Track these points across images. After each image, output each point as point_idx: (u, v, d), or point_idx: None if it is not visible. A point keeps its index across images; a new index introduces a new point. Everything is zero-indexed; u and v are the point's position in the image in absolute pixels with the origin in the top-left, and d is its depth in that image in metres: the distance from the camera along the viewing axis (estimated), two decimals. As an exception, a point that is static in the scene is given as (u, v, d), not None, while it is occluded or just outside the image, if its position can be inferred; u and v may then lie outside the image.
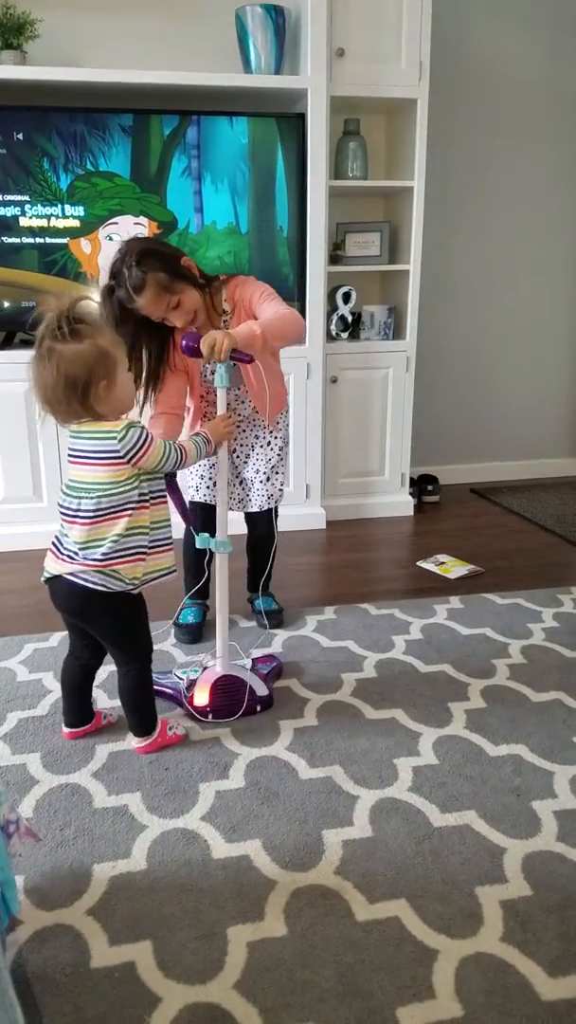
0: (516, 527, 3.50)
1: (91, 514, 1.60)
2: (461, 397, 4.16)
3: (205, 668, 2.03)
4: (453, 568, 2.96)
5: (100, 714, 1.91)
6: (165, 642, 2.35)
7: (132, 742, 1.82)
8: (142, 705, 1.80)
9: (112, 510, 1.61)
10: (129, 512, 1.62)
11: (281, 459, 2.34)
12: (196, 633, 2.36)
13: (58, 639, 2.33)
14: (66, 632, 1.85)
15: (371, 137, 3.43)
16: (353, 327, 3.50)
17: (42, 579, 1.72)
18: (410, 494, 3.70)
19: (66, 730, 1.87)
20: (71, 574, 1.63)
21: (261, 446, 2.30)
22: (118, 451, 1.58)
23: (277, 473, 2.33)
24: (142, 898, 1.39)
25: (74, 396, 1.56)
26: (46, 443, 3.11)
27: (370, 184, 3.38)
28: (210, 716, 1.93)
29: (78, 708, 1.87)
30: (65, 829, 1.57)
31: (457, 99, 3.66)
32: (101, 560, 1.61)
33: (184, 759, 1.79)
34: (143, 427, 1.62)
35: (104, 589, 1.62)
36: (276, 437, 2.32)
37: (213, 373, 1.89)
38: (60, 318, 1.53)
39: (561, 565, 3.03)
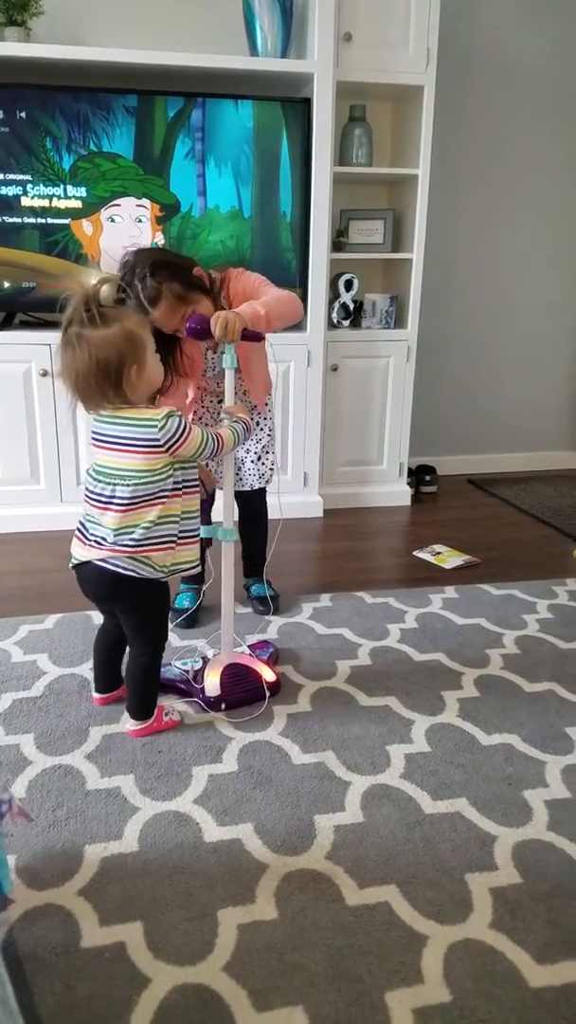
0: (513, 519, 3.51)
1: (126, 501, 1.60)
2: (461, 388, 4.15)
3: (205, 658, 2.03)
4: (449, 558, 2.96)
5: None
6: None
7: (127, 725, 1.82)
8: (148, 689, 1.82)
9: (147, 498, 1.61)
10: (163, 500, 1.62)
11: (271, 440, 2.37)
12: (193, 618, 2.36)
13: (53, 621, 2.33)
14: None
15: (377, 123, 3.41)
16: (355, 315, 3.49)
17: (70, 565, 1.71)
18: (408, 484, 3.70)
19: (96, 696, 1.93)
20: (102, 560, 1.63)
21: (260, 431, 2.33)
22: (157, 440, 1.57)
23: (268, 453, 2.36)
24: (133, 879, 1.39)
25: (107, 382, 1.54)
26: (44, 425, 3.10)
27: (375, 171, 3.36)
28: (223, 706, 1.93)
29: (107, 675, 1.91)
30: (58, 810, 1.57)
31: (464, 86, 3.64)
32: (133, 547, 1.61)
33: (177, 742, 1.80)
34: (181, 415, 1.61)
35: (134, 575, 1.63)
36: (265, 419, 2.35)
37: (222, 354, 1.89)
38: (87, 302, 1.52)
39: (557, 557, 3.03)
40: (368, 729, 1.86)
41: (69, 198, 3.02)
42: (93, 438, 1.65)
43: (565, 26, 3.71)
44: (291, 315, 2.01)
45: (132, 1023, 1.13)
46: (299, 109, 3.07)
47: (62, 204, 3.02)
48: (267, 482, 2.39)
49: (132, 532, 1.61)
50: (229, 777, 1.68)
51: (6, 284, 3.07)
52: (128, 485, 1.59)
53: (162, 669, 2.02)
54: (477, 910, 1.34)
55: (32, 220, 3.02)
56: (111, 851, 1.46)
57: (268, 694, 1.97)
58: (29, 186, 2.98)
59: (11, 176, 2.96)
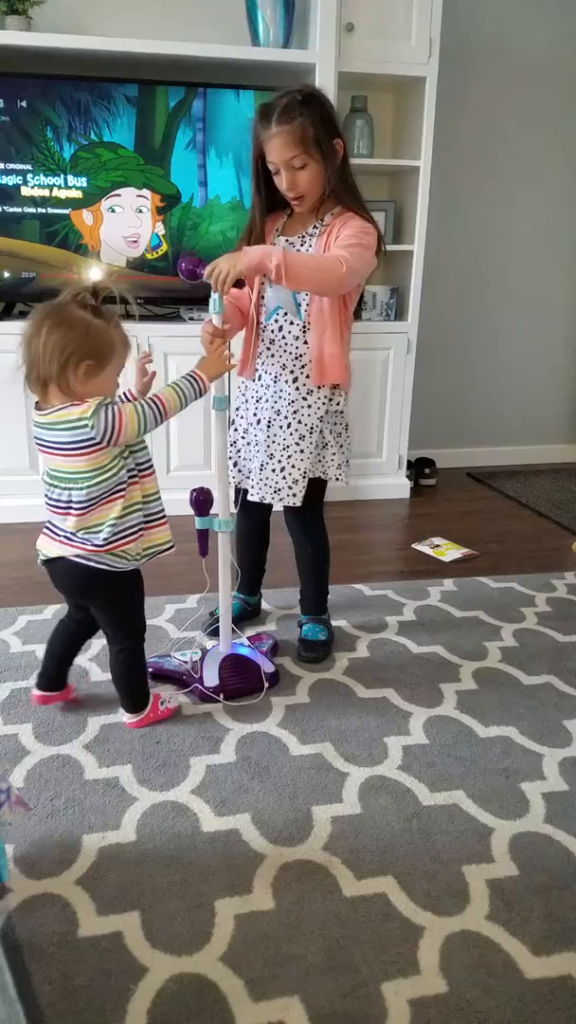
0: (512, 512, 3.51)
1: (84, 504, 1.57)
2: (461, 381, 4.14)
3: (205, 650, 2.03)
4: (448, 551, 2.96)
5: (72, 686, 1.90)
6: (159, 617, 2.35)
7: (123, 717, 1.82)
8: (134, 684, 1.80)
9: (104, 496, 1.57)
10: (122, 493, 1.59)
11: (313, 447, 1.99)
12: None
13: (52, 611, 2.33)
14: (60, 605, 1.84)
15: (378, 115, 3.40)
16: (355, 307, 3.47)
17: (39, 562, 1.69)
18: (407, 477, 3.70)
19: (36, 692, 1.85)
20: (75, 556, 1.61)
21: (304, 423, 1.98)
22: (94, 438, 1.51)
23: (313, 465, 2.01)
24: (131, 869, 1.40)
25: (56, 360, 1.48)
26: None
27: (376, 162, 3.35)
28: (222, 697, 1.92)
29: (56, 671, 1.85)
30: (56, 799, 1.57)
31: (466, 78, 3.62)
32: (103, 545, 1.59)
33: (176, 733, 1.80)
34: (110, 402, 1.53)
35: (107, 568, 1.62)
36: (324, 416, 1.99)
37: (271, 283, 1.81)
38: (94, 290, 1.51)
39: (555, 550, 3.04)
40: (366, 721, 1.86)
41: (69, 188, 3.01)
42: (39, 443, 1.59)
43: (568, 17, 3.68)
44: (319, 283, 1.77)
45: (129, 1012, 1.13)
46: (301, 99, 3.05)
47: (62, 194, 3.01)
48: (277, 500, 2.02)
49: (99, 532, 1.58)
50: (227, 768, 1.68)
51: (6, 274, 3.06)
52: (81, 488, 1.55)
53: (160, 660, 2.03)
54: (474, 902, 1.34)
55: (32, 210, 3.01)
56: (109, 841, 1.46)
57: (266, 685, 1.97)
58: (29, 176, 2.97)
59: (11, 166, 2.95)
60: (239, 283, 1.82)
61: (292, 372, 1.97)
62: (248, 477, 2.07)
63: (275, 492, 2.01)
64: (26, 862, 1.41)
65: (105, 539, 1.59)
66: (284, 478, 2.00)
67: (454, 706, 1.94)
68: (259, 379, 2.04)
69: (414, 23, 3.08)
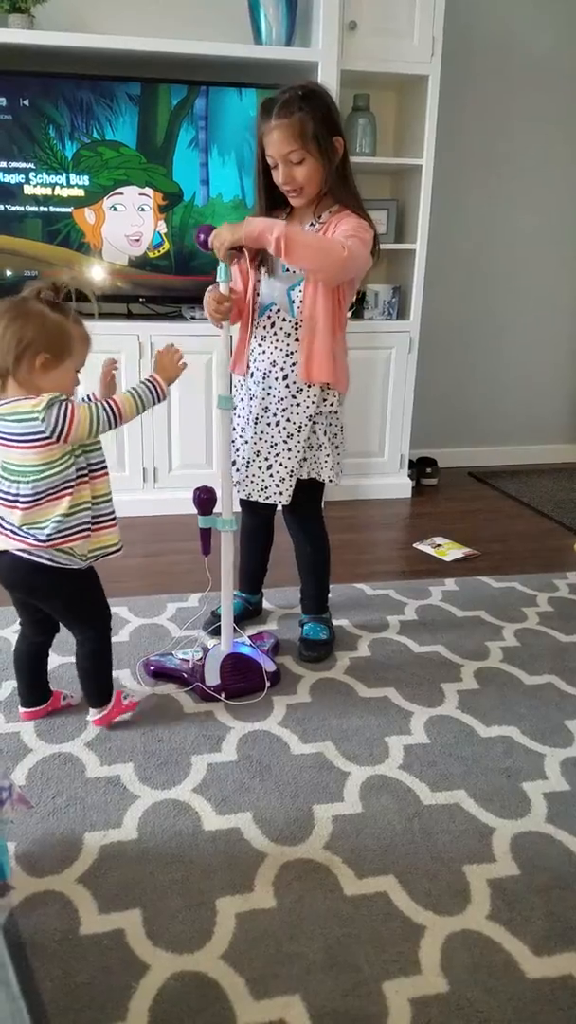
0: (513, 511, 3.51)
1: (30, 498, 1.54)
2: (463, 380, 4.14)
3: (206, 649, 2.03)
4: (449, 551, 2.96)
5: (59, 694, 1.88)
6: (160, 616, 2.35)
7: (89, 715, 1.80)
8: (98, 674, 1.78)
9: (51, 491, 1.55)
10: (69, 491, 1.56)
11: (310, 447, 2.00)
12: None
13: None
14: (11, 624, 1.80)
15: (380, 113, 3.39)
16: (357, 306, 3.48)
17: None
18: (409, 476, 3.70)
19: (23, 711, 1.82)
20: (20, 550, 1.58)
21: (293, 422, 1.98)
22: (43, 432, 1.50)
23: (308, 461, 2.01)
24: (132, 867, 1.40)
25: (12, 351, 1.48)
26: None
27: (378, 161, 3.35)
28: (223, 696, 1.92)
29: (33, 687, 1.83)
30: (57, 797, 1.57)
31: (469, 76, 3.62)
32: (46, 541, 1.56)
33: (177, 731, 1.80)
34: (64, 399, 1.52)
35: (51, 564, 1.59)
36: (314, 415, 1.98)
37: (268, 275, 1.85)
38: (54, 286, 1.52)
39: (557, 550, 3.03)
40: (367, 720, 1.86)
41: (71, 187, 3.01)
42: None
43: (571, 14, 3.68)
44: (322, 261, 1.76)
45: (131, 1010, 1.14)
46: (303, 98, 3.05)
47: (64, 193, 3.01)
48: (264, 497, 2.03)
49: (44, 527, 1.55)
50: (228, 766, 1.68)
51: (8, 273, 3.06)
52: (28, 481, 1.53)
53: (162, 659, 2.03)
54: (475, 901, 1.34)
55: (34, 209, 3.01)
56: (110, 839, 1.47)
57: (268, 684, 1.97)
58: (32, 174, 2.97)
59: (14, 164, 2.95)
60: (238, 249, 1.80)
61: (283, 369, 1.97)
62: (239, 472, 2.07)
63: (262, 490, 2.02)
64: (28, 860, 1.41)
65: (48, 535, 1.56)
66: (271, 476, 2.00)
67: (455, 706, 1.94)
68: (251, 376, 2.04)
69: (416, 21, 3.08)
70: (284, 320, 1.95)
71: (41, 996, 1.15)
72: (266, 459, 2.01)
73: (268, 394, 1.99)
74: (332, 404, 2.02)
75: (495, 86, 3.69)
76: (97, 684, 1.79)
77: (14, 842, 1.45)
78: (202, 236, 1.78)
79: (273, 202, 1.93)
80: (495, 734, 1.83)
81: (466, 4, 3.47)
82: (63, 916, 1.29)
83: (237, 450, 2.08)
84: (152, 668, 2.02)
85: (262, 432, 2.00)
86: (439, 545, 3.02)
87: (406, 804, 1.58)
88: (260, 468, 2.01)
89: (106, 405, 1.56)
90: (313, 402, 1.97)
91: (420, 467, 3.85)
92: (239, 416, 2.08)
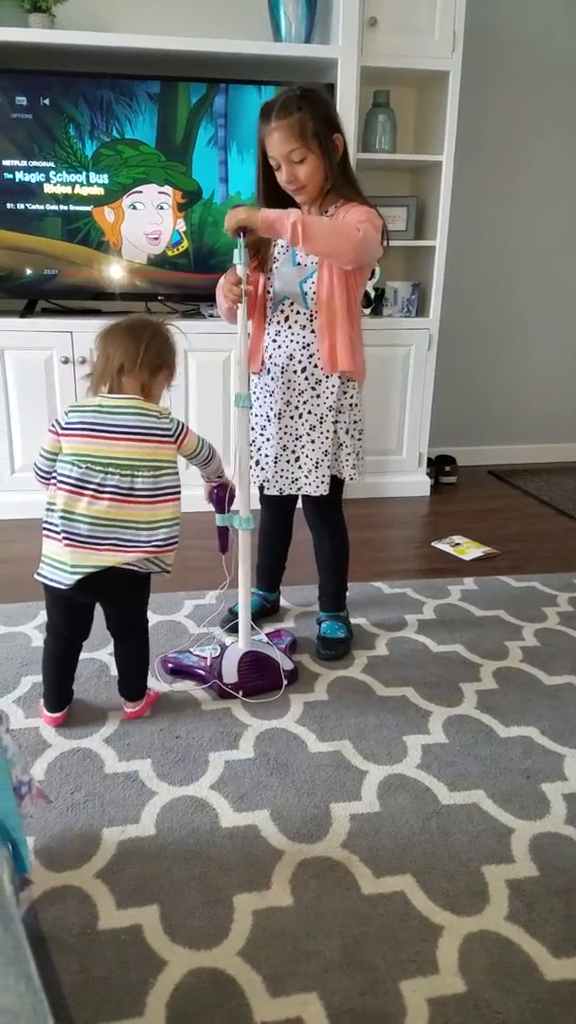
0: (533, 510, 3.48)
1: (151, 493, 1.62)
2: (483, 378, 4.12)
3: (224, 646, 2.03)
4: (469, 549, 2.95)
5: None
6: (178, 613, 2.36)
7: (125, 708, 1.84)
8: (140, 673, 1.84)
9: (167, 491, 1.64)
10: (178, 496, 1.66)
11: (332, 439, 2.00)
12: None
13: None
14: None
15: (400, 110, 3.38)
16: (376, 303, 3.47)
17: (75, 579, 1.60)
18: (427, 474, 3.68)
19: (51, 715, 1.80)
20: (127, 564, 1.63)
21: (314, 413, 1.99)
22: (168, 430, 1.65)
23: (327, 455, 2.00)
24: (150, 863, 1.40)
25: (149, 364, 1.68)
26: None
27: (398, 158, 3.34)
28: (241, 693, 1.93)
29: (65, 690, 1.83)
30: (76, 793, 1.58)
31: (490, 71, 3.59)
32: (161, 546, 1.63)
33: (194, 728, 1.80)
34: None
35: (143, 571, 1.67)
36: (336, 406, 1.98)
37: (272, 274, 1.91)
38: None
39: (578, 550, 3.01)
40: (385, 719, 1.86)
41: (91, 185, 3.02)
42: (98, 428, 1.62)
43: (594, 11, 3.65)
44: (336, 244, 1.75)
45: (148, 1005, 1.14)
46: (323, 95, 3.05)
47: (84, 191, 3.02)
48: (295, 489, 2.05)
49: (159, 529, 1.63)
50: (246, 764, 1.68)
51: (28, 271, 3.08)
52: (148, 476, 1.62)
53: (180, 656, 2.03)
54: (493, 902, 1.34)
55: (54, 207, 3.02)
56: (128, 834, 1.47)
57: (285, 682, 1.97)
58: (52, 173, 2.98)
59: (34, 163, 2.96)
60: (246, 234, 1.79)
61: (300, 362, 1.97)
62: (265, 470, 2.08)
63: (293, 482, 2.04)
64: (47, 855, 1.42)
65: (163, 539, 1.64)
66: (300, 467, 2.02)
67: (474, 705, 1.93)
68: (268, 372, 2.04)
69: (437, 17, 3.06)
70: (298, 313, 1.96)
71: (61, 989, 1.16)
72: (293, 452, 2.02)
73: (288, 388, 2.00)
74: (352, 397, 2.02)
75: (516, 82, 3.67)
76: (139, 682, 1.84)
77: (33, 837, 1.46)
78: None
79: (277, 204, 1.92)
80: (514, 734, 1.82)
81: (487, -1, 3.45)
82: (81, 911, 1.30)
83: (259, 448, 2.08)
84: (170, 665, 2.03)
85: (286, 426, 2.01)
86: (458, 544, 3.01)
87: (424, 804, 1.58)
88: (288, 462, 2.03)
89: (209, 445, 1.78)
90: (332, 392, 1.98)
91: (439, 465, 3.83)
92: (257, 415, 2.08)
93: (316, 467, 2.00)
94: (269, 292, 2.00)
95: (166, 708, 1.88)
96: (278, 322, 1.99)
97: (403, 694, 1.97)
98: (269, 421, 2.05)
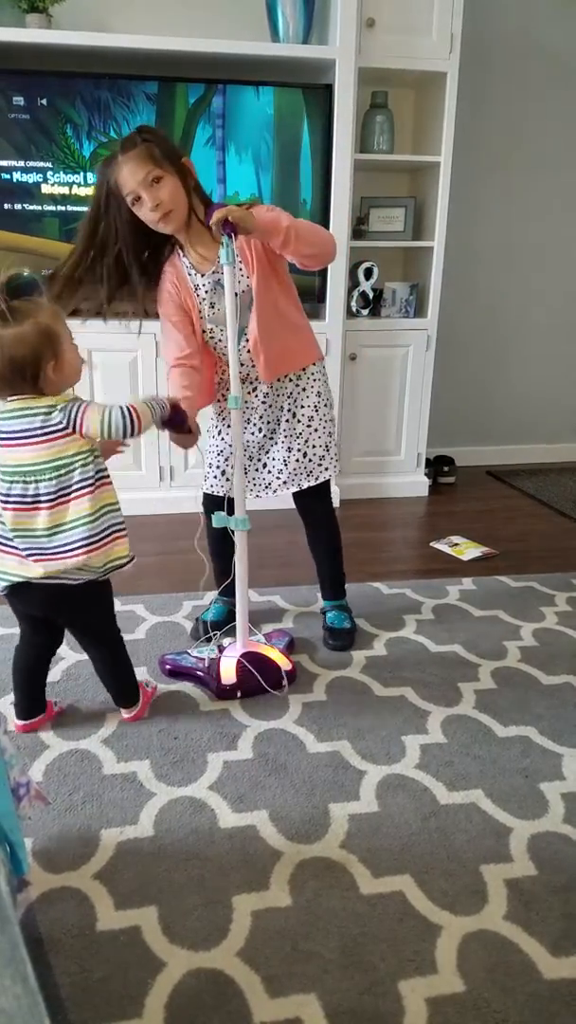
0: (532, 510, 3.49)
1: (52, 496, 1.51)
2: (481, 378, 4.12)
3: (222, 647, 2.03)
4: (467, 550, 2.95)
5: (51, 703, 1.84)
6: (176, 614, 2.36)
7: (122, 714, 1.82)
8: (125, 679, 1.79)
9: (77, 486, 1.51)
10: (89, 490, 1.52)
11: (312, 428, 2.06)
12: (213, 631, 2.20)
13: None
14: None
15: (398, 110, 3.38)
16: (374, 304, 3.47)
17: (3, 584, 1.58)
18: (426, 475, 3.69)
19: (19, 723, 1.77)
20: (48, 577, 1.54)
21: (287, 419, 2.05)
22: (61, 422, 1.49)
23: (310, 446, 2.06)
24: (149, 864, 1.40)
25: (22, 379, 1.49)
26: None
27: (396, 158, 3.34)
28: (239, 694, 1.93)
29: (33, 698, 1.79)
30: (74, 794, 1.58)
31: (488, 72, 3.60)
32: (85, 545, 1.51)
33: (193, 729, 1.80)
34: (80, 402, 1.53)
35: (78, 583, 1.57)
36: (302, 401, 2.04)
37: (212, 306, 1.87)
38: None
39: (576, 550, 3.02)
40: (383, 719, 1.86)
41: (89, 185, 3.02)
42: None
43: (591, 11, 3.65)
44: (322, 243, 1.82)
45: (147, 1006, 1.14)
46: (320, 96, 3.05)
47: (82, 192, 3.02)
48: (314, 479, 2.08)
49: (74, 529, 1.51)
50: (244, 764, 1.68)
51: (26, 272, 3.07)
52: (49, 479, 1.51)
53: (177, 657, 2.03)
54: (492, 901, 1.34)
55: (52, 208, 3.02)
56: (127, 836, 1.47)
57: (284, 683, 1.97)
58: (49, 173, 2.98)
59: (31, 164, 2.96)
60: (235, 234, 1.74)
61: (249, 383, 2.03)
62: (269, 474, 2.11)
63: (308, 475, 2.09)
64: (45, 856, 1.42)
65: (82, 540, 1.54)
66: (310, 460, 2.07)
67: (472, 705, 1.93)
68: (245, 403, 2.06)
69: (435, 18, 3.06)
70: (241, 348, 1.97)
71: (59, 991, 1.16)
72: (300, 449, 2.06)
73: (269, 407, 2.05)
74: (318, 379, 2.06)
75: (514, 83, 3.67)
76: (123, 688, 1.80)
77: (32, 838, 1.45)
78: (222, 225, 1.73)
79: (152, 271, 1.93)
80: (512, 734, 1.82)
81: (485, 0, 3.45)
82: (80, 912, 1.30)
83: (264, 465, 2.11)
84: (168, 666, 2.03)
85: (285, 431, 2.05)
86: (456, 544, 3.01)
87: (423, 803, 1.58)
88: (298, 461, 2.06)
89: (122, 407, 1.53)
90: (314, 381, 2.06)
91: (437, 466, 3.83)
92: (251, 443, 2.09)
93: (328, 450, 2.08)
94: (205, 332, 1.99)
95: (164, 709, 1.88)
96: (224, 365, 2.01)
97: (401, 694, 1.97)
98: (269, 437, 2.09)
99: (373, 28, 3.03)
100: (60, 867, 1.39)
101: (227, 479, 2.10)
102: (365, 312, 3.45)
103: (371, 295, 3.44)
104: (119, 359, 3.12)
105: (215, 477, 2.13)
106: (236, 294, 1.79)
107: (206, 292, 1.93)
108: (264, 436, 2.08)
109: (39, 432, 1.50)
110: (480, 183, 3.77)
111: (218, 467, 2.13)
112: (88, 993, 1.16)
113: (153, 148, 1.75)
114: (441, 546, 3.00)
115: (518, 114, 3.72)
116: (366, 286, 3.43)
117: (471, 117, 3.54)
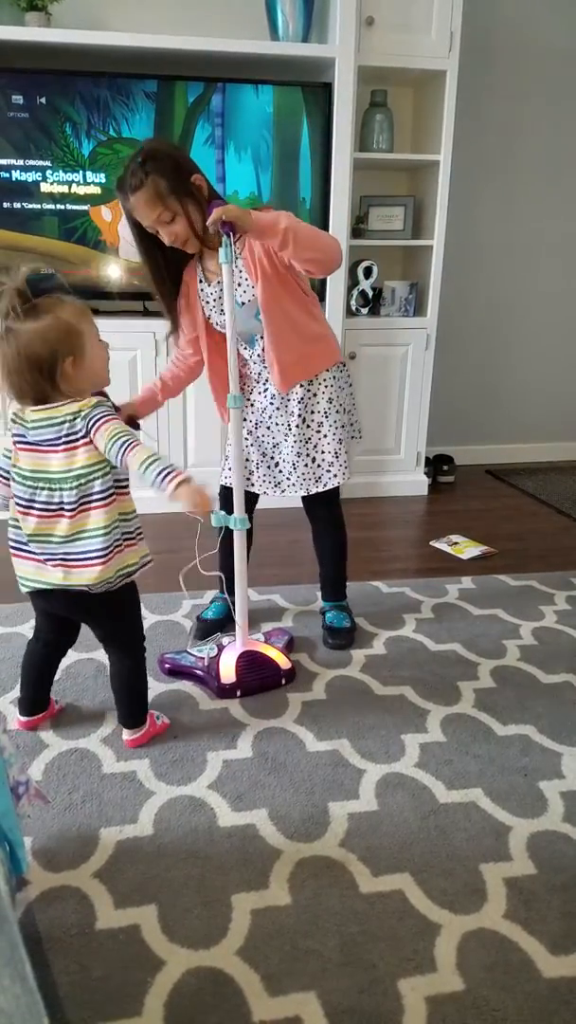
0: (531, 509, 3.49)
1: (75, 505, 1.48)
2: (480, 377, 4.12)
3: (221, 646, 2.03)
4: (466, 548, 2.95)
5: (53, 701, 1.84)
6: (176, 613, 2.36)
7: (123, 735, 1.75)
8: (138, 696, 1.74)
9: (95, 498, 1.49)
10: (108, 501, 1.50)
11: (325, 435, 2.04)
12: (214, 630, 2.22)
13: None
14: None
15: (398, 109, 3.38)
16: (374, 303, 3.47)
17: (26, 590, 1.59)
18: (425, 474, 3.69)
19: (23, 719, 1.77)
20: (68, 584, 1.53)
21: (296, 424, 2.03)
22: (80, 430, 1.47)
23: (321, 452, 2.05)
24: (148, 863, 1.40)
25: (40, 376, 1.46)
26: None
27: (395, 157, 3.34)
28: (239, 693, 1.93)
29: (39, 695, 1.78)
30: (74, 793, 1.58)
31: (487, 71, 3.59)
32: (98, 557, 1.49)
33: (192, 728, 1.80)
34: (112, 405, 1.53)
35: (96, 591, 1.55)
36: (312, 407, 2.03)
37: (222, 313, 1.86)
38: (16, 294, 1.42)
39: (575, 548, 3.01)
40: (383, 718, 1.86)
41: (88, 184, 3.02)
42: (27, 442, 1.51)
43: (591, 10, 3.65)
44: (323, 249, 1.78)
45: (147, 1005, 1.14)
46: (320, 94, 3.05)
47: (81, 190, 3.02)
48: (322, 486, 2.07)
49: (94, 538, 1.49)
50: (244, 763, 1.68)
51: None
52: (72, 487, 1.49)
53: (177, 656, 2.03)
54: (491, 900, 1.34)
55: (51, 206, 3.02)
56: (126, 834, 1.47)
57: (283, 681, 1.97)
58: (48, 172, 2.98)
59: (30, 162, 2.96)
60: (234, 233, 1.73)
61: (282, 396, 2.03)
62: (280, 473, 2.12)
63: (316, 480, 2.08)
64: (45, 855, 1.42)
65: (100, 549, 1.52)
66: (319, 465, 2.06)
67: (472, 704, 1.93)
68: (253, 414, 2.09)
69: (434, 16, 3.06)
70: (255, 362, 2.01)
71: (57, 990, 1.16)
72: (308, 454, 2.06)
73: (277, 409, 2.04)
74: (331, 384, 2.03)
75: (513, 81, 3.67)
76: (135, 705, 1.74)
77: (31, 837, 1.45)
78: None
79: (176, 272, 1.97)
80: (512, 733, 1.82)
81: (484, -2, 3.45)
82: (79, 911, 1.30)
83: (276, 464, 2.12)
84: (167, 665, 2.03)
85: (296, 435, 2.04)
86: (456, 543, 3.01)
87: (422, 802, 1.58)
88: (306, 466, 2.06)
89: (126, 442, 1.46)
90: (322, 387, 2.02)
91: (437, 465, 3.83)
92: (264, 440, 2.11)
93: (337, 456, 2.06)
94: (215, 325, 2.01)
95: (164, 708, 1.88)
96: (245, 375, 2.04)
97: (401, 693, 1.97)
98: (283, 440, 2.09)
99: (372, 27, 3.02)
100: (60, 866, 1.39)
101: (286, 477, 2.12)
102: (365, 311, 3.45)
103: (371, 294, 3.44)
104: (119, 357, 3.09)
105: (230, 469, 2.08)
106: (244, 303, 1.83)
107: (215, 300, 1.96)
108: (276, 435, 2.09)
109: (63, 440, 1.48)
110: (479, 182, 3.76)
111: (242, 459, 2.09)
112: (88, 992, 1.16)
113: (159, 183, 1.74)
114: (440, 545, 3.00)
115: (517, 112, 3.72)
116: (365, 285, 3.42)
117: (470, 116, 3.54)
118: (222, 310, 1.91)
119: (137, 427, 1.83)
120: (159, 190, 1.75)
